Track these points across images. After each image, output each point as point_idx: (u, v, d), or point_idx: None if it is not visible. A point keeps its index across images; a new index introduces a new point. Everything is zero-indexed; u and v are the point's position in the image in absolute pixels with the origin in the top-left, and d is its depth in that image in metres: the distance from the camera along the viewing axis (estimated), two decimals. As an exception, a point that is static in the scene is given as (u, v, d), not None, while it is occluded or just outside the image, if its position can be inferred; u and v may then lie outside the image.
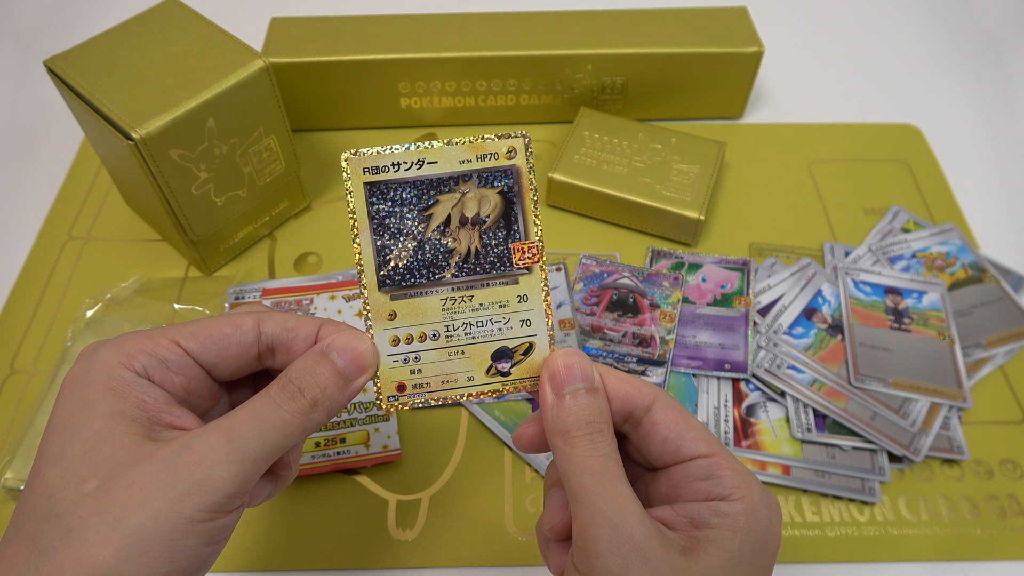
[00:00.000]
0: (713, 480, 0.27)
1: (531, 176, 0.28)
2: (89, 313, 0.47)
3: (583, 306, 0.48)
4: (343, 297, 0.47)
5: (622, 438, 0.29)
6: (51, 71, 0.43)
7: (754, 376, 0.45)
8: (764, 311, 0.48)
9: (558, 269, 0.49)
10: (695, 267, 0.50)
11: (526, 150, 0.28)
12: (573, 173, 0.52)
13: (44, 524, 0.23)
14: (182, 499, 0.23)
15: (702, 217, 0.50)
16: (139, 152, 0.40)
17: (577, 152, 0.53)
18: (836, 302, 0.48)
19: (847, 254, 0.51)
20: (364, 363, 0.27)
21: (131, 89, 0.41)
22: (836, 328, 0.47)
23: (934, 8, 0.73)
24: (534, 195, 0.28)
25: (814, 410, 0.44)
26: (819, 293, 0.49)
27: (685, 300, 0.48)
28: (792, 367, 0.45)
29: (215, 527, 0.24)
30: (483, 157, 0.28)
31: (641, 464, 0.30)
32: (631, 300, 0.48)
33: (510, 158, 0.28)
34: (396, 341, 0.28)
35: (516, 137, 0.28)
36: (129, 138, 0.39)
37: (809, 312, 0.48)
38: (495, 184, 0.28)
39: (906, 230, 0.53)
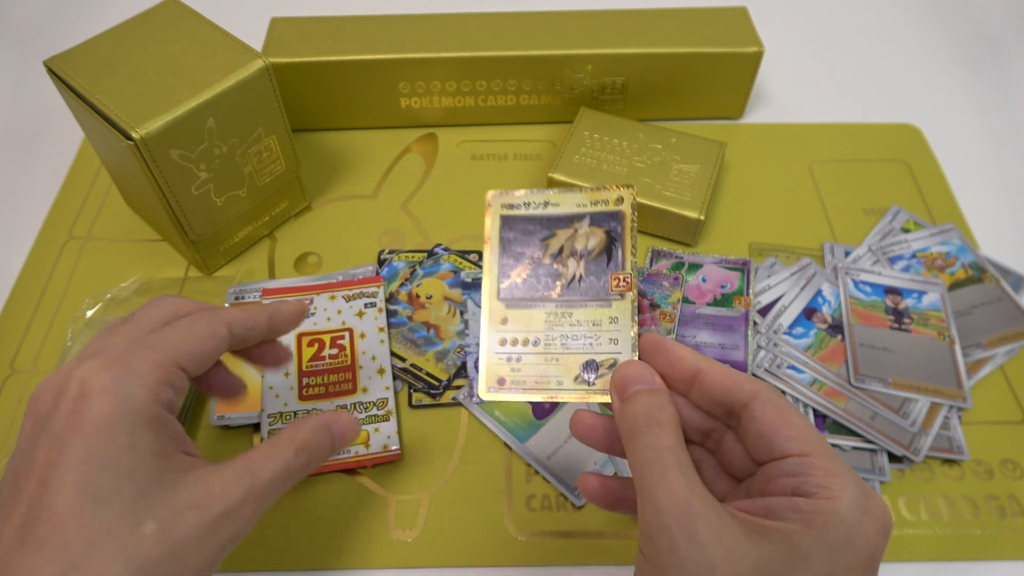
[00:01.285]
0: (801, 477, 0.26)
1: (633, 220, 0.33)
2: (89, 313, 0.47)
3: (583, 306, 0.48)
4: (343, 297, 0.47)
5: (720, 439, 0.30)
6: (51, 71, 0.43)
7: (754, 376, 0.45)
8: (764, 311, 0.48)
9: (558, 269, 0.50)
10: (695, 267, 0.50)
11: (632, 199, 0.33)
12: (573, 173, 0.52)
13: (111, 563, 0.25)
14: (221, 548, 0.28)
15: (702, 217, 0.50)
16: (139, 152, 0.40)
17: (577, 152, 0.53)
18: (836, 302, 0.48)
19: (847, 254, 0.51)
20: (348, 442, 0.34)
21: (131, 89, 0.41)
22: (836, 328, 0.47)
23: (934, 8, 0.73)
24: (633, 236, 0.33)
25: (814, 410, 0.44)
26: (819, 293, 0.49)
27: (685, 300, 0.48)
28: (792, 367, 0.45)
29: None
30: (596, 203, 0.33)
31: (740, 469, 0.30)
32: (631, 300, 0.48)
33: (618, 204, 0.33)
34: (504, 342, 0.33)
35: (626, 188, 0.33)
36: (129, 138, 0.39)
37: (809, 312, 0.48)
38: (603, 224, 0.33)
39: (906, 230, 0.53)
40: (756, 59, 0.57)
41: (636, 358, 0.31)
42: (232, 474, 0.28)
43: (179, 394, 0.29)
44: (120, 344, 0.29)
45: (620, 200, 0.33)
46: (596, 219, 0.33)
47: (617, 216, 0.33)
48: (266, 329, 0.34)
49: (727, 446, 0.30)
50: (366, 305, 0.47)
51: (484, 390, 0.33)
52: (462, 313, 0.48)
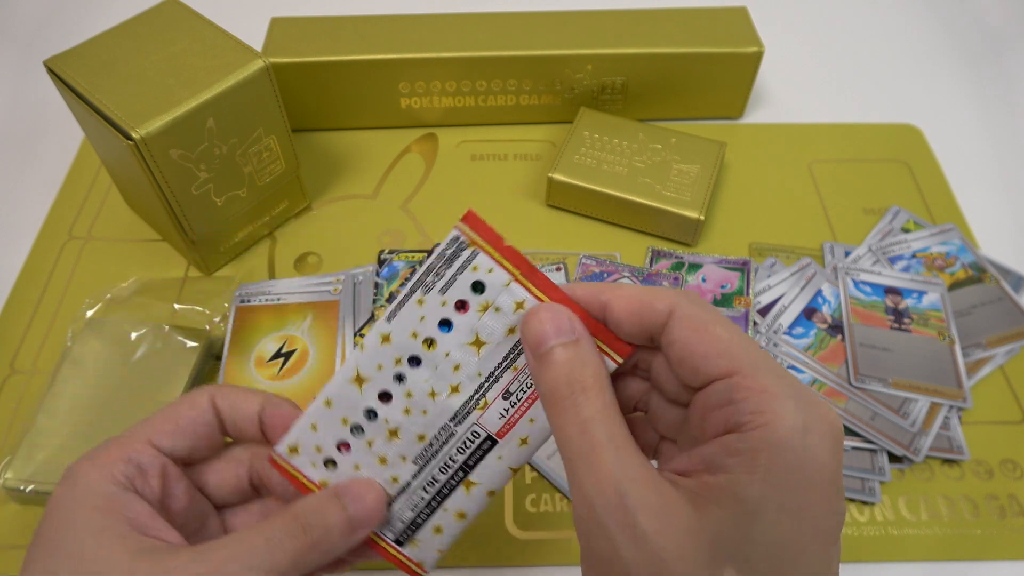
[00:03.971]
0: (731, 406, 0.22)
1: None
2: (89, 313, 0.47)
3: (583, 306, 0.48)
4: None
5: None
6: (51, 71, 0.43)
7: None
8: (764, 311, 0.48)
9: (558, 269, 0.49)
10: (695, 267, 0.50)
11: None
12: (573, 173, 0.52)
13: None
14: None
15: (702, 217, 0.50)
16: (139, 152, 0.40)
17: (577, 152, 0.53)
18: (836, 302, 0.48)
19: (847, 254, 0.51)
20: (374, 515, 0.27)
21: (131, 89, 0.41)
22: (836, 328, 0.47)
23: (934, 8, 0.73)
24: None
25: (814, 410, 0.44)
26: (819, 293, 0.49)
27: (685, 300, 0.48)
28: (792, 367, 0.45)
29: None
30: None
31: (682, 397, 0.25)
32: (631, 300, 0.48)
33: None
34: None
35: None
36: (129, 138, 0.39)
37: (809, 312, 0.48)
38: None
39: (906, 230, 0.53)
40: (756, 59, 0.57)
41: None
42: (183, 558, 0.24)
43: (147, 473, 0.26)
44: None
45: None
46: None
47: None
48: (254, 418, 0.29)
49: (659, 372, 0.25)
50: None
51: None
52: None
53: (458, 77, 0.56)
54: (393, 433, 0.27)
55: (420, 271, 0.26)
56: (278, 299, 0.47)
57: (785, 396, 0.21)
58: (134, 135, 0.39)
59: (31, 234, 0.53)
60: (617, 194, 0.51)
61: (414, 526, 0.28)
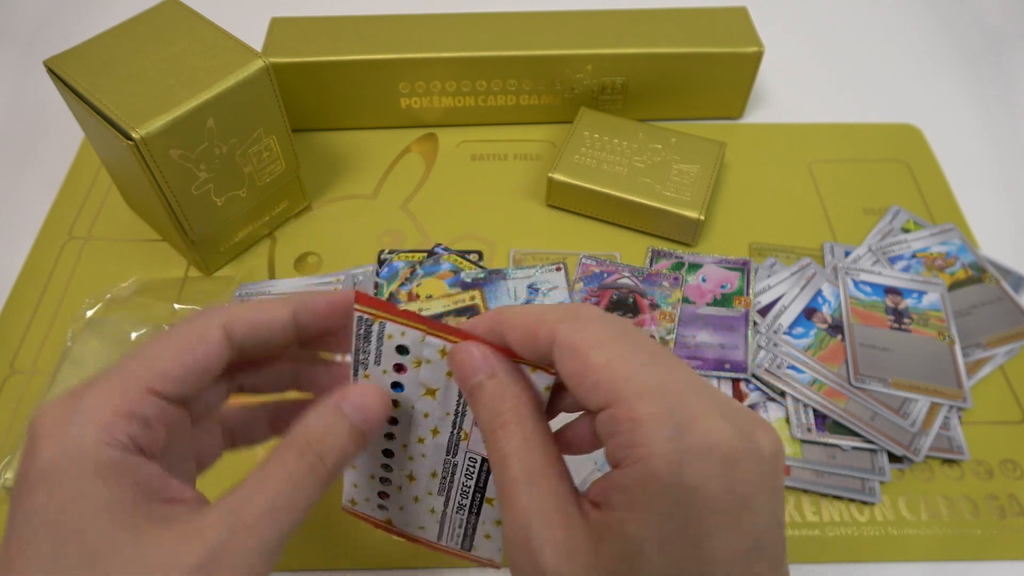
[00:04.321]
0: (612, 440, 0.21)
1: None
2: (89, 313, 0.47)
3: (583, 306, 0.48)
4: None
5: None
6: (51, 71, 0.43)
7: (754, 376, 0.45)
8: (764, 311, 0.48)
9: (558, 269, 0.49)
10: (695, 267, 0.50)
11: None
12: (573, 173, 0.52)
13: None
14: None
15: (702, 217, 0.50)
16: (139, 152, 0.40)
17: (577, 152, 0.53)
18: (836, 302, 0.48)
19: (847, 254, 0.51)
20: (378, 419, 0.26)
21: (131, 89, 0.41)
22: (836, 328, 0.47)
23: (934, 8, 0.73)
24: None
25: (814, 410, 0.44)
26: (819, 293, 0.49)
27: (685, 300, 0.48)
28: (792, 367, 0.45)
29: None
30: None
31: None
32: (631, 300, 0.48)
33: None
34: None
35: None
36: (129, 138, 0.39)
37: (809, 312, 0.48)
38: None
39: (906, 230, 0.53)
40: (756, 59, 0.57)
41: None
42: (214, 516, 0.22)
43: (153, 428, 0.23)
44: (100, 374, 0.24)
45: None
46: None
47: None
48: (287, 328, 0.26)
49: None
50: None
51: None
52: (462, 313, 0.48)
53: (458, 77, 0.56)
54: (410, 477, 0.30)
55: (352, 356, 0.28)
56: (278, 299, 0.47)
57: (659, 424, 0.20)
58: (134, 135, 0.39)
59: (31, 234, 0.53)
60: (617, 194, 0.51)
61: (468, 537, 0.31)
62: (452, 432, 0.29)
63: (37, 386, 0.45)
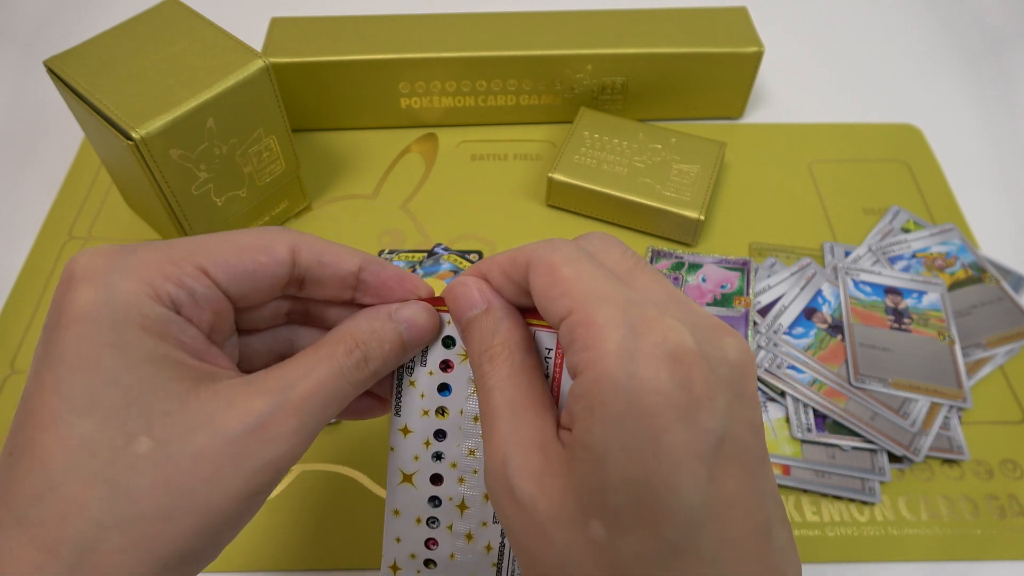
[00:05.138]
0: (570, 350, 0.21)
1: None
2: (89, 313, 0.47)
3: (583, 306, 0.48)
4: None
5: None
6: (51, 71, 0.43)
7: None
8: (764, 311, 0.48)
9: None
10: (695, 267, 0.50)
11: None
12: (573, 173, 0.52)
13: (90, 488, 0.20)
14: (254, 477, 0.21)
15: (702, 217, 0.50)
16: (139, 152, 0.40)
17: (577, 152, 0.53)
18: (836, 302, 0.48)
19: (847, 254, 0.51)
20: (426, 338, 0.26)
21: (131, 89, 0.41)
22: (836, 328, 0.47)
23: (934, 8, 0.73)
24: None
25: (814, 410, 0.44)
26: (819, 293, 0.49)
27: (685, 300, 0.48)
28: (792, 367, 0.45)
29: (264, 500, 0.23)
30: None
31: None
32: (631, 300, 0.48)
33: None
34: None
35: None
36: (129, 138, 0.39)
37: (809, 312, 0.48)
38: None
39: (906, 230, 0.53)
40: (756, 59, 0.57)
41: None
42: (261, 386, 0.22)
43: (196, 297, 0.22)
44: (149, 242, 0.23)
45: None
46: None
47: None
48: (349, 278, 0.25)
49: None
50: None
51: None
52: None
53: (458, 77, 0.56)
54: (462, 506, 0.28)
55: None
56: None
57: (612, 325, 0.20)
58: (134, 135, 0.39)
59: (31, 234, 0.53)
60: (617, 194, 0.51)
61: None
62: None
63: (37, 386, 0.45)
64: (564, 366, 0.25)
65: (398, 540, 0.28)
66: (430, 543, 0.28)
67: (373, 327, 0.25)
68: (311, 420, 0.23)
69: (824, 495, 0.42)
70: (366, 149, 0.58)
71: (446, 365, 0.27)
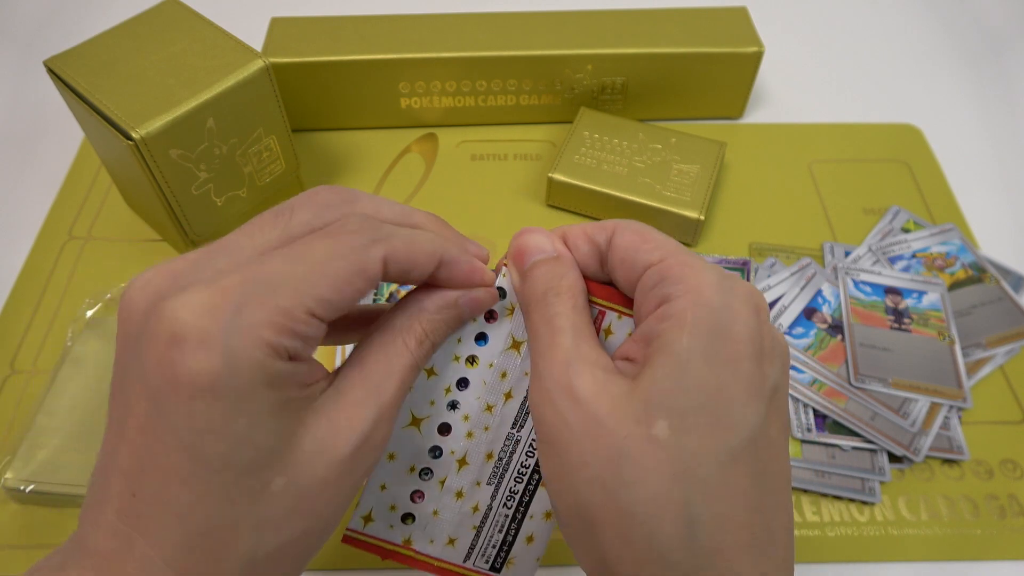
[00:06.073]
0: (661, 285, 0.24)
1: None
2: (89, 313, 0.47)
3: (583, 306, 0.48)
4: None
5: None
6: (51, 71, 0.43)
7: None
8: (764, 311, 0.48)
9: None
10: (695, 267, 0.50)
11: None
12: (573, 173, 0.52)
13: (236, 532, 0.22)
14: (360, 480, 0.24)
15: (702, 217, 0.50)
16: (139, 152, 0.40)
17: (577, 152, 0.53)
18: (836, 302, 0.48)
19: (847, 254, 0.51)
20: (484, 309, 0.27)
21: (131, 89, 0.41)
22: (836, 328, 0.47)
23: (934, 8, 0.73)
24: None
25: (814, 410, 0.44)
26: (819, 293, 0.49)
27: (685, 300, 0.48)
28: (792, 367, 0.45)
29: None
30: None
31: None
32: (631, 300, 0.48)
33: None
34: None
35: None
36: (129, 138, 0.39)
37: (809, 312, 0.48)
38: None
39: (906, 230, 0.53)
40: (756, 59, 0.57)
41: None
42: (357, 398, 0.24)
43: (310, 343, 0.23)
44: (231, 272, 0.22)
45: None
46: None
47: None
48: (429, 268, 0.26)
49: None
50: None
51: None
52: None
53: (458, 77, 0.56)
54: (462, 462, 0.28)
55: None
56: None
57: (707, 269, 0.24)
58: (134, 135, 0.39)
59: (31, 234, 0.53)
60: (617, 194, 0.51)
61: (506, 545, 0.28)
62: (527, 396, 0.27)
63: (37, 386, 0.45)
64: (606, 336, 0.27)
65: (383, 487, 0.28)
66: (415, 495, 0.28)
67: (443, 316, 0.26)
68: (397, 414, 0.25)
69: (824, 495, 0.42)
70: (366, 149, 0.58)
71: (490, 315, 0.27)
